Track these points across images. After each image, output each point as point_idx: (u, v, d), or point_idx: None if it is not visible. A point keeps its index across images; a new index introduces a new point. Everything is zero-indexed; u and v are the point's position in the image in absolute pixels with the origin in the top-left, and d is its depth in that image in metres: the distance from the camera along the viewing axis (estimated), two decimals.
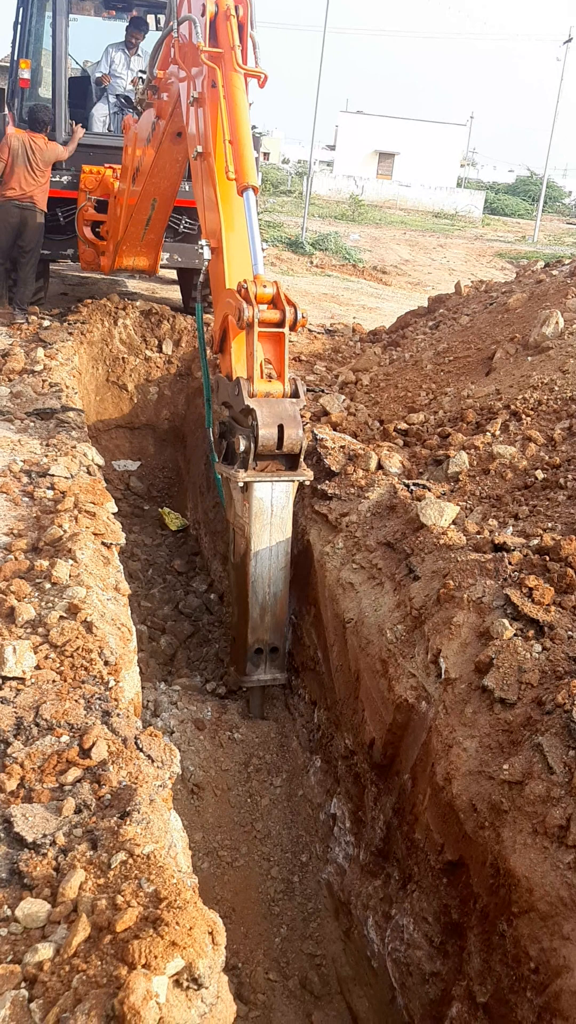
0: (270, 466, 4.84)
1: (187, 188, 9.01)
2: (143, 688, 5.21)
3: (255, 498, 4.83)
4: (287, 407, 4.76)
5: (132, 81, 9.56)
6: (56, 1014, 1.76)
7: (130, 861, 2.11)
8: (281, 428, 4.69)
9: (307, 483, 5.21)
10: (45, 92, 9.61)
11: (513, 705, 3.27)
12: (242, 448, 4.74)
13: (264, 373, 4.80)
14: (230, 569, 5.39)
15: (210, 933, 1.95)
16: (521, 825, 2.96)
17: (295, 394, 4.84)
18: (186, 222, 9.57)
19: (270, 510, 4.88)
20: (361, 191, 46.92)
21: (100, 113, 10.11)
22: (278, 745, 5.24)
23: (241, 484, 4.79)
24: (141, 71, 8.11)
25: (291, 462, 4.86)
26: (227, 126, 5.18)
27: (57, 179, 9.00)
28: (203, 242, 5.44)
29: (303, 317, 4.88)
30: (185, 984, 1.85)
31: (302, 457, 4.87)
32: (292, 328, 4.83)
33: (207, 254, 5.41)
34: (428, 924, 3.49)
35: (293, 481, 4.91)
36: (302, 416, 4.93)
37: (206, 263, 5.46)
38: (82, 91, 10.24)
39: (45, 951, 1.90)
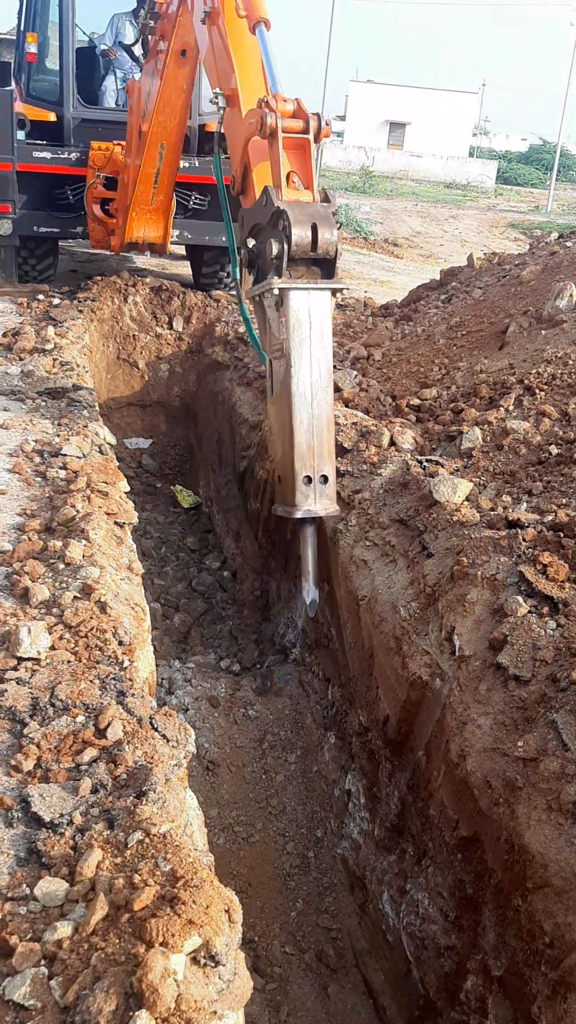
0: (305, 274, 4.54)
1: (196, 164, 8.97)
2: (157, 666, 5.24)
3: (292, 309, 4.50)
4: (319, 209, 4.49)
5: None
6: (75, 991, 1.78)
7: (147, 840, 2.13)
8: (315, 228, 4.39)
9: (344, 292, 4.90)
10: (53, 65, 9.52)
11: (527, 682, 3.27)
12: (274, 253, 4.44)
13: (291, 183, 4.55)
14: (270, 405, 5.05)
15: (227, 911, 1.96)
16: (536, 801, 2.97)
17: (326, 199, 4.60)
18: (196, 198, 9.49)
19: (308, 322, 4.55)
20: (372, 162, 46.44)
21: (109, 88, 10.01)
22: (292, 722, 5.27)
23: (276, 291, 4.49)
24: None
25: (327, 269, 4.57)
26: None
27: (65, 156, 8.93)
28: (216, 90, 5.18)
29: (327, 126, 4.70)
30: (202, 961, 1.87)
31: (338, 262, 4.58)
32: (316, 138, 4.62)
33: (221, 102, 5.17)
34: (443, 899, 3.52)
35: (331, 288, 4.62)
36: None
37: (221, 112, 5.23)
38: (90, 63, 10.13)
39: (64, 929, 1.92)
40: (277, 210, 4.41)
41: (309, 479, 4.70)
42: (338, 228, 4.59)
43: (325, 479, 4.75)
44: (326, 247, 4.44)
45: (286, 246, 4.37)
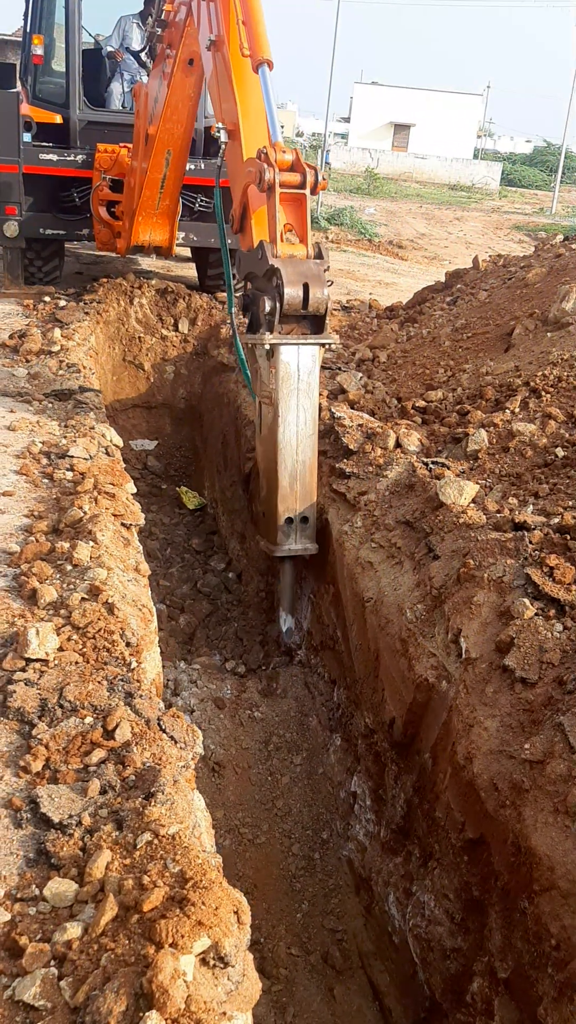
0: (295, 329, 4.76)
1: (202, 166, 8.98)
2: (163, 667, 5.24)
3: (281, 362, 4.77)
4: (312, 267, 4.69)
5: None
6: (86, 991, 1.78)
7: (155, 841, 2.14)
8: (306, 287, 4.61)
9: (333, 346, 5.17)
10: (59, 67, 9.52)
11: (534, 684, 3.28)
12: (267, 309, 4.66)
13: (286, 236, 4.72)
14: (258, 444, 5.35)
15: (235, 912, 1.97)
16: (542, 804, 2.97)
17: (319, 256, 4.76)
18: (201, 200, 9.50)
19: (296, 374, 4.82)
20: (376, 164, 46.44)
21: (115, 91, 10.01)
22: (298, 723, 5.27)
23: (267, 347, 4.73)
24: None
25: (316, 324, 4.79)
26: (239, 8, 5.18)
27: (72, 158, 8.94)
28: (219, 125, 5.34)
29: (323, 180, 4.85)
30: (212, 963, 1.88)
31: (328, 319, 4.80)
32: (313, 191, 4.77)
33: (223, 137, 5.31)
34: (449, 901, 3.52)
35: (319, 344, 4.84)
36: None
37: (223, 147, 5.37)
38: (97, 66, 10.13)
39: (73, 930, 1.92)
40: (272, 268, 4.61)
41: (290, 520, 5.09)
42: (329, 285, 4.81)
43: (305, 520, 5.14)
44: (316, 305, 4.67)
45: (278, 304, 4.61)
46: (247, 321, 5.06)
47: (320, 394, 5.05)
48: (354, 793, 4.66)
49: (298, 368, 4.81)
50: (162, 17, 7.01)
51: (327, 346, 5.04)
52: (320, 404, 4.98)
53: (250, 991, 1.94)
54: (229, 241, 5.82)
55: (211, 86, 5.77)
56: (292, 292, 4.59)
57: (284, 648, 5.46)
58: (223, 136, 5.31)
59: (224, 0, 5.41)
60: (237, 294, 5.37)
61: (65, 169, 8.98)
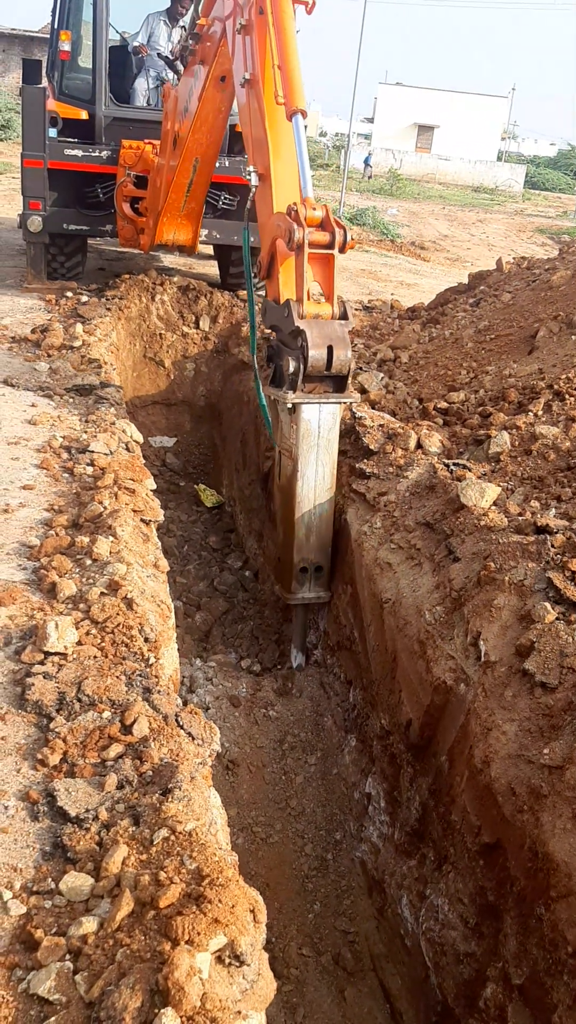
0: (317, 388, 4.87)
1: (226, 164, 8.96)
2: (179, 664, 5.24)
3: (303, 419, 4.89)
4: (336, 328, 4.78)
5: (172, 51, 9.46)
6: (100, 986, 1.78)
7: (172, 838, 2.13)
8: (331, 349, 4.70)
9: (356, 410, 5.34)
10: (85, 63, 9.54)
11: (554, 689, 3.24)
12: (291, 369, 4.77)
13: (313, 295, 4.80)
14: (276, 491, 5.51)
15: (252, 911, 1.96)
16: (561, 810, 2.94)
17: (343, 316, 4.85)
18: (225, 198, 9.49)
19: (317, 431, 4.95)
20: (400, 164, 46.34)
21: (141, 87, 10.01)
22: (313, 723, 5.25)
23: (289, 405, 4.85)
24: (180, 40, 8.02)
25: (338, 384, 4.91)
26: (276, 51, 5.14)
27: (96, 154, 8.95)
28: (250, 168, 5.37)
29: (352, 239, 4.90)
30: (228, 961, 1.87)
31: (350, 379, 4.93)
32: (341, 250, 4.82)
33: (254, 180, 5.35)
34: (463, 905, 3.50)
35: (341, 403, 4.97)
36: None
37: (253, 189, 5.41)
38: (123, 62, 10.14)
39: (89, 924, 1.92)
40: (296, 329, 4.71)
41: (305, 570, 5.29)
42: (354, 367, 4.99)
43: (320, 569, 5.32)
44: (339, 367, 4.78)
45: (302, 366, 4.72)
46: (271, 370, 5.16)
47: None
48: (368, 794, 4.64)
49: (319, 426, 4.95)
50: (195, 31, 6.94)
51: (348, 405, 5.18)
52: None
53: (265, 990, 1.93)
54: (253, 239, 5.81)
55: (243, 121, 5.77)
56: (316, 354, 4.70)
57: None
58: (253, 180, 5.33)
59: (261, 39, 5.37)
60: (260, 343, 5.49)
61: (90, 165, 8.98)
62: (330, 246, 4.78)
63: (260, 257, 5.35)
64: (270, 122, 5.28)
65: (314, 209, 4.78)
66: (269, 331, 5.24)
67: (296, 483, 5.03)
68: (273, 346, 5.11)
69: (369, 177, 43.36)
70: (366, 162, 45.31)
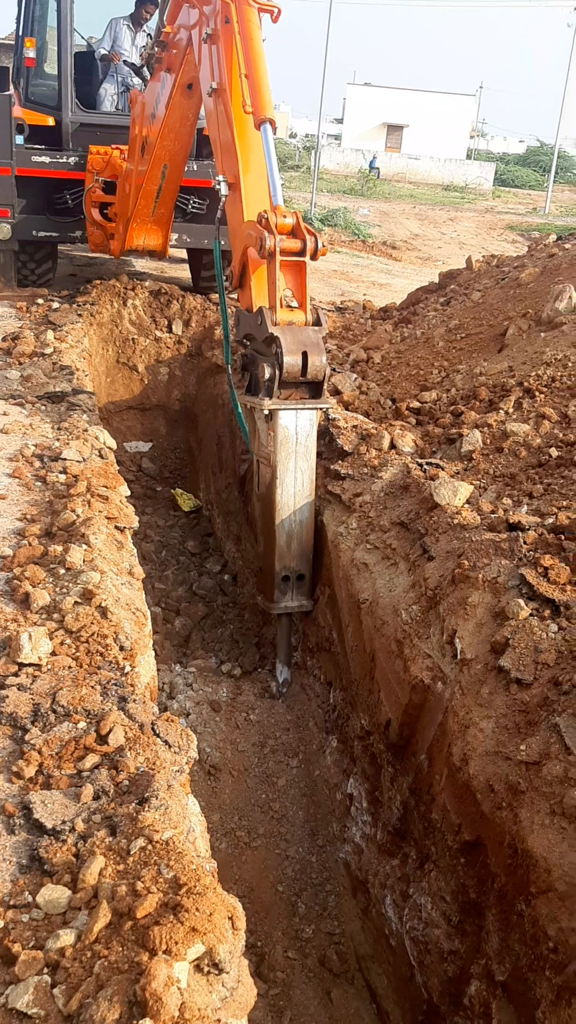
0: (294, 394, 4.88)
1: (195, 168, 8.96)
2: (158, 670, 5.23)
3: (280, 426, 4.89)
4: (310, 334, 4.79)
5: (140, 56, 9.44)
6: (79, 999, 1.77)
7: (149, 847, 2.12)
8: (305, 355, 4.71)
9: (329, 411, 5.32)
10: (51, 69, 9.51)
11: (530, 685, 3.26)
12: (267, 376, 4.77)
13: (285, 302, 4.81)
14: (255, 500, 5.50)
15: (230, 918, 1.96)
16: (539, 805, 2.96)
17: (317, 322, 4.87)
18: (194, 202, 9.48)
19: (295, 438, 4.95)
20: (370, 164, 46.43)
21: (107, 92, 9.99)
22: (294, 726, 5.26)
23: (266, 412, 4.86)
24: (144, 47, 8.01)
25: (314, 390, 4.91)
26: (242, 60, 5.16)
27: (64, 160, 8.92)
28: (220, 178, 5.38)
29: (323, 246, 4.91)
30: (206, 969, 1.86)
31: (325, 385, 4.93)
32: (313, 257, 4.84)
33: (224, 190, 5.35)
34: (446, 903, 3.51)
35: (317, 409, 4.97)
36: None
37: (223, 199, 5.41)
38: (89, 68, 10.12)
39: (67, 937, 1.91)
40: (271, 336, 4.71)
41: (287, 578, 5.23)
42: (328, 355, 4.98)
43: (302, 577, 5.27)
44: (315, 372, 4.78)
45: (278, 372, 4.72)
46: (246, 379, 5.17)
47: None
48: (350, 795, 4.65)
49: (296, 432, 4.95)
50: (161, 39, 6.91)
51: (324, 410, 5.18)
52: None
53: (245, 997, 1.93)
54: (224, 242, 5.81)
55: (211, 131, 5.76)
56: (291, 360, 4.70)
57: (280, 697, 5.53)
58: (223, 189, 5.33)
59: (227, 48, 5.37)
60: (235, 354, 5.45)
61: (58, 171, 8.96)
62: (301, 253, 4.80)
63: (232, 266, 5.35)
64: (239, 131, 5.28)
65: (285, 216, 4.79)
66: (243, 341, 5.22)
67: (275, 490, 5.02)
68: (247, 355, 5.11)
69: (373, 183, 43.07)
70: (371, 165, 44.79)
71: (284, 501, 5.06)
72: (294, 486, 5.06)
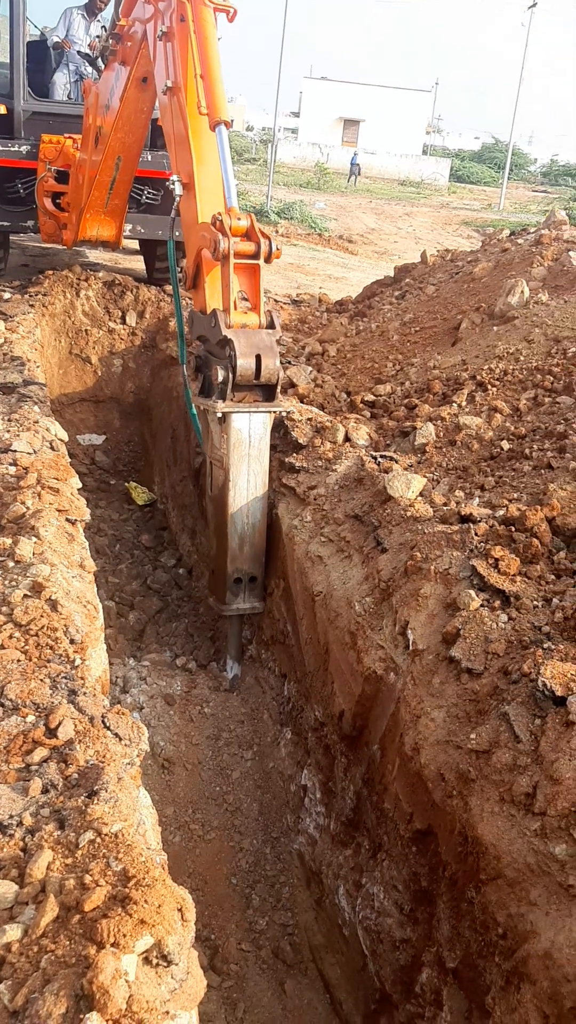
0: (247, 397, 4.87)
1: (148, 158, 8.88)
2: (112, 664, 5.19)
3: (233, 429, 4.87)
4: (264, 337, 4.79)
5: (91, 44, 9.33)
6: (25, 995, 1.75)
7: (98, 840, 2.10)
8: (259, 358, 4.71)
9: (283, 414, 5.32)
10: (3, 58, 9.36)
11: (480, 675, 3.30)
12: (220, 379, 4.76)
13: (239, 305, 4.79)
14: (208, 502, 5.48)
15: (179, 910, 1.95)
16: (488, 793, 2.99)
17: (271, 325, 4.86)
18: (148, 193, 9.40)
19: (248, 441, 4.94)
20: (326, 158, 46.49)
21: (60, 81, 9.86)
22: (248, 718, 5.26)
23: (219, 415, 4.84)
24: (98, 37, 7.92)
25: (268, 393, 4.90)
26: (197, 61, 5.11)
27: (16, 149, 8.79)
28: (174, 177, 5.34)
29: (277, 249, 4.89)
30: (155, 961, 1.85)
31: (279, 388, 4.92)
32: (267, 260, 4.83)
33: (178, 190, 5.32)
34: (398, 892, 3.53)
35: (270, 412, 4.97)
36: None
37: (177, 199, 5.38)
38: (41, 57, 9.98)
39: (13, 932, 1.88)
40: (224, 338, 4.71)
41: (239, 580, 5.23)
42: (282, 362, 4.94)
43: (254, 579, 5.27)
44: (268, 375, 4.78)
45: (231, 375, 4.71)
46: (200, 380, 5.15)
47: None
48: (304, 786, 4.66)
49: (249, 435, 4.94)
50: (115, 31, 6.83)
51: (277, 413, 5.17)
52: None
53: (194, 989, 1.92)
54: (177, 233, 5.77)
55: (166, 129, 5.70)
56: (244, 363, 4.69)
57: (233, 691, 5.52)
58: (177, 189, 5.30)
59: (183, 47, 5.30)
60: (190, 355, 5.42)
61: (9, 160, 8.83)
62: (256, 256, 4.79)
63: (186, 267, 5.32)
64: (193, 132, 5.24)
65: (239, 219, 4.77)
66: (197, 341, 5.20)
67: (228, 493, 5.00)
68: (201, 356, 5.09)
69: (355, 181, 42.26)
70: (353, 162, 44.02)
71: (237, 503, 5.05)
72: (247, 489, 5.05)
